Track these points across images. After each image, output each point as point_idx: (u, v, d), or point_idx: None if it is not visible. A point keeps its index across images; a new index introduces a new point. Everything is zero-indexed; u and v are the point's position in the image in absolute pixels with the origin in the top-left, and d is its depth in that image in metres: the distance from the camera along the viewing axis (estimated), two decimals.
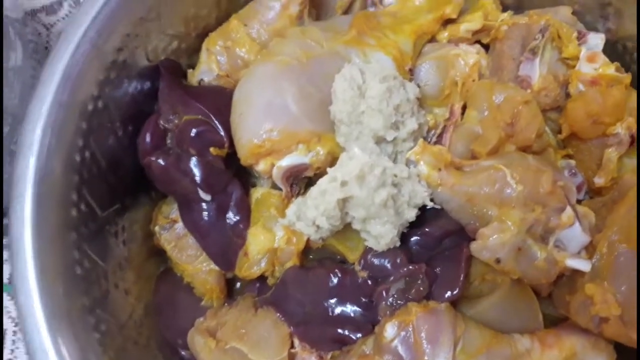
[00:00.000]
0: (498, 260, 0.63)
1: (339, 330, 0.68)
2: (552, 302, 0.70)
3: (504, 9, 0.81)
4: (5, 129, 0.80)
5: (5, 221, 0.65)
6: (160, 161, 0.73)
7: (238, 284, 0.81)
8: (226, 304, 0.77)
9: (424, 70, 0.76)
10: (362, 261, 0.70)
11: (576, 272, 0.65)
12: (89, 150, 0.69)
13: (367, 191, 0.64)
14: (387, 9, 0.79)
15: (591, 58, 0.74)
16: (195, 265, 0.78)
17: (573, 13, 0.79)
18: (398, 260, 0.68)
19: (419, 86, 0.74)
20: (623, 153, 0.72)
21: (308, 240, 0.72)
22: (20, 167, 0.62)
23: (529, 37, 0.76)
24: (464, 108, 0.74)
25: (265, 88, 0.69)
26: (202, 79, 0.78)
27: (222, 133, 0.72)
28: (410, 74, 0.75)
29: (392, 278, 0.67)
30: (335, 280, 0.70)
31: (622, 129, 0.71)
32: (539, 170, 0.65)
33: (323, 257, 0.75)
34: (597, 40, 0.75)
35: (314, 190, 0.67)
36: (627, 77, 0.73)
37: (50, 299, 0.61)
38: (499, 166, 0.65)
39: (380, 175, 0.64)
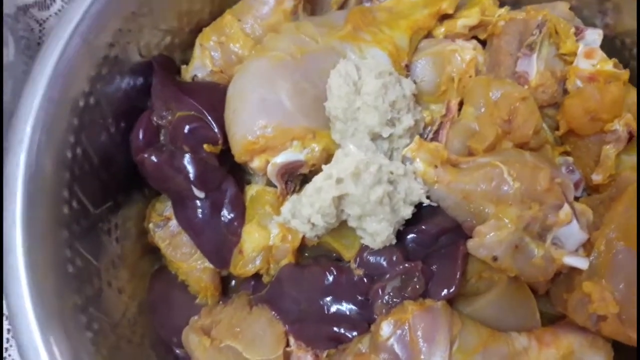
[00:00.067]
0: (495, 258, 0.63)
1: (335, 329, 0.68)
2: (550, 300, 0.70)
3: (501, 4, 0.81)
4: None
5: None
6: (154, 158, 0.72)
7: (233, 282, 0.81)
8: (221, 302, 0.76)
9: (420, 66, 0.76)
10: (357, 259, 0.70)
11: (574, 270, 0.65)
12: (81, 147, 0.68)
13: (362, 188, 0.63)
14: (383, 4, 0.79)
15: (589, 54, 0.74)
16: (190, 263, 0.77)
17: (571, 8, 0.79)
18: (394, 258, 0.67)
19: (415, 82, 0.74)
20: (621, 150, 0.72)
21: (303, 237, 0.72)
22: (11, 164, 0.62)
23: (527, 33, 0.76)
24: (460, 104, 0.74)
25: (259, 84, 0.69)
26: (195, 75, 0.78)
27: (216, 129, 0.71)
28: (407, 69, 0.75)
29: (388, 276, 0.67)
30: (330, 278, 0.69)
31: (620, 126, 0.71)
32: (536, 167, 0.65)
33: (318, 254, 0.75)
34: (594, 36, 0.75)
35: (309, 188, 0.66)
36: (625, 74, 0.73)
37: (41, 297, 0.60)
38: (496, 163, 0.65)
39: (376, 172, 0.64)
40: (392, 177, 0.65)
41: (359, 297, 0.68)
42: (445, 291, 0.66)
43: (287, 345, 0.69)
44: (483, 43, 0.79)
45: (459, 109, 0.74)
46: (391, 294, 0.66)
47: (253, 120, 0.68)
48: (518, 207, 0.63)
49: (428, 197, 0.66)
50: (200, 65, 0.78)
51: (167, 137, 0.73)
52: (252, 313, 0.71)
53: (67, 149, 0.66)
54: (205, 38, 0.78)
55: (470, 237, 0.65)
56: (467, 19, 0.78)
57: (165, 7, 0.75)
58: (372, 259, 0.69)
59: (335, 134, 0.69)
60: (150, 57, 0.76)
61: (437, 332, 0.61)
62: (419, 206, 0.67)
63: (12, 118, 0.64)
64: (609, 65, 0.73)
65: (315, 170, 0.69)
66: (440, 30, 0.78)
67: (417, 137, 0.68)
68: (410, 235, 0.70)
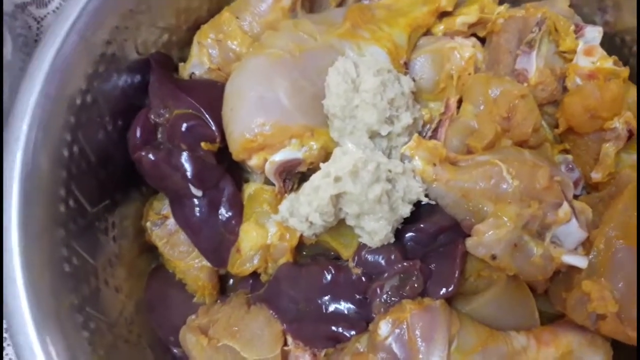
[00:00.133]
0: (494, 257, 0.63)
1: (333, 328, 0.67)
2: (549, 299, 0.70)
3: (501, 1, 0.81)
4: None
5: None
6: (151, 156, 0.72)
7: (231, 281, 0.80)
8: (219, 301, 0.76)
9: (419, 64, 0.75)
10: (356, 258, 0.69)
11: (573, 269, 0.65)
12: (78, 145, 0.68)
13: (361, 187, 0.63)
14: (382, 2, 0.79)
15: (588, 51, 0.74)
16: (188, 262, 0.77)
17: (570, 5, 0.78)
18: (392, 257, 0.67)
19: (414, 80, 0.73)
20: (620, 148, 0.71)
21: (301, 236, 0.72)
22: (7, 162, 0.61)
23: (526, 30, 0.75)
24: (459, 102, 0.74)
25: (257, 82, 0.68)
26: (193, 73, 0.77)
27: (214, 127, 0.71)
28: (405, 67, 0.74)
29: (386, 275, 0.67)
30: (328, 277, 0.69)
31: (620, 124, 0.70)
32: (536, 166, 0.64)
33: (317, 253, 0.75)
34: (594, 33, 0.75)
35: (307, 186, 0.66)
36: (625, 71, 0.72)
37: (37, 297, 0.60)
38: (495, 161, 0.65)
39: (374, 170, 0.63)
40: (391, 176, 0.65)
41: (357, 296, 0.68)
42: (443, 290, 0.65)
43: (285, 344, 0.69)
44: (482, 40, 0.79)
45: (458, 107, 0.73)
46: (389, 292, 0.66)
47: (251, 118, 0.68)
48: (517, 206, 0.63)
49: (427, 196, 0.66)
50: (198, 63, 0.77)
51: (164, 135, 0.73)
52: (250, 312, 0.71)
53: (64, 146, 0.66)
54: (203, 35, 0.77)
55: (469, 235, 0.64)
56: (466, 17, 0.77)
57: (162, 4, 0.74)
58: (370, 257, 0.68)
59: (334, 132, 0.69)
60: (148, 55, 0.75)
61: (436, 332, 0.61)
62: (417, 204, 0.67)
63: (9, 115, 0.63)
64: (608, 63, 0.73)
65: (314, 169, 0.68)
66: (439, 28, 0.78)
67: (415, 135, 0.68)
68: (409, 234, 0.70)
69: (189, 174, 0.71)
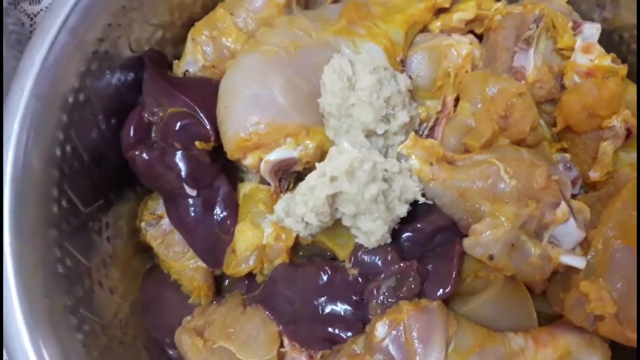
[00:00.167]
0: (491, 257, 0.62)
1: (329, 329, 0.67)
2: (547, 299, 0.69)
3: None
4: None
5: None
6: (145, 155, 0.71)
7: (226, 281, 0.80)
8: (214, 302, 0.75)
9: (416, 61, 0.75)
10: (352, 258, 0.69)
11: (571, 269, 0.65)
12: (70, 144, 0.67)
13: (357, 186, 0.62)
14: None
15: (586, 49, 0.73)
16: (183, 263, 0.76)
17: (568, 2, 0.78)
18: (389, 257, 0.67)
19: (410, 77, 0.72)
20: (619, 146, 0.71)
21: (297, 236, 0.71)
22: None
23: (523, 27, 0.75)
24: (456, 100, 0.73)
25: (252, 79, 0.68)
26: (187, 70, 0.77)
27: (208, 126, 0.70)
28: (402, 65, 0.73)
29: (383, 275, 0.66)
30: (325, 278, 0.69)
31: (618, 122, 0.70)
32: (533, 165, 0.64)
33: (313, 254, 0.74)
34: (592, 30, 0.74)
35: (302, 186, 0.65)
36: (623, 69, 0.72)
37: (29, 299, 0.59)
38: (492, 160, 0.64)
39: (371, 170, 0.63)
40: (387, 175, 0.64)
41: (354, 297, 0.67)
42: (441, 291, 0.65)
43: (281, 345, 0.68)
44: (479, 37, 0.78)
45: (455, 105, 0.73)
46: (386, 293, 0.65)
47: (246, 116, 0.67)
48: (514, 205, 0.63)
49: (423, 195, 0.66)
50: (192, 60, 0.76)
51: (158, 133, 0.72)
52: (246, 313, 0.70)
53: (56, 146, 0.65)
54: (197, 32, 0.76)
55: (466, 235, 0.64)
56: (463, 13, 0.77)
57: (156, 1, 0.73)
58: (366, 258, 0.68)
59: (329, 130, 0.68)
60: (141, 52, 0.75)
61: (433, 333, 0.60)
62: (414, 204, 0.67)
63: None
64: (607, 60, 0.72)
65: (309, 168, 0.68)
66: (436, 25, 0.77)
67: (412, 134, 0.67)
68: (406, 234, 0.69)
69: (183, 173, 0.71)
